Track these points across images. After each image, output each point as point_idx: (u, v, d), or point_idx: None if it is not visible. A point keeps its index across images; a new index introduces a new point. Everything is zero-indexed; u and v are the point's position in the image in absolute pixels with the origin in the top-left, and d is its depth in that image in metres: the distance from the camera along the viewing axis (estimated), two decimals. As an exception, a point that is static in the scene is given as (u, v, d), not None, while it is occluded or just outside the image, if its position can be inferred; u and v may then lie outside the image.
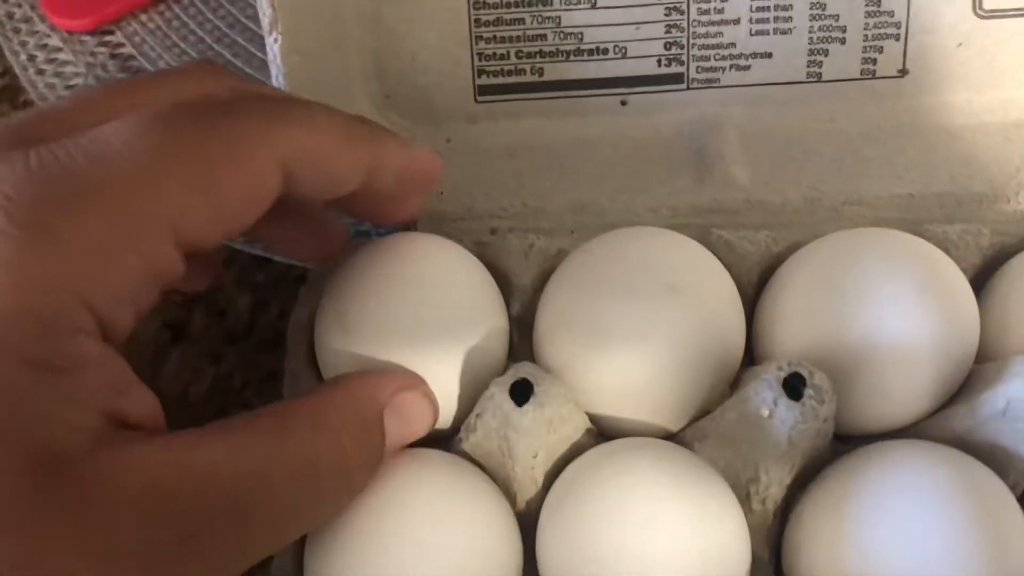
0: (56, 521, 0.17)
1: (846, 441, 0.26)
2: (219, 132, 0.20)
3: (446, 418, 0.26)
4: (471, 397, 0.25)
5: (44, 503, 0.17)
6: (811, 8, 0.30)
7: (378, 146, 0.23)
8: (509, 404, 0.23)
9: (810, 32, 0.31)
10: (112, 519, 0.17)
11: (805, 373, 0.23)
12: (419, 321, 0.25)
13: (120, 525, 0.18)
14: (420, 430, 0.24)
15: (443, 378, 0.25)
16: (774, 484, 0.24)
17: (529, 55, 0.31)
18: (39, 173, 0.18)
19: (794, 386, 0.23)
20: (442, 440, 0.26)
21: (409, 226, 0.29)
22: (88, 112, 0.21)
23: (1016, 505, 0.23)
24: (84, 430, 0.18)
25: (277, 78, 0.29)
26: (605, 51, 0.31)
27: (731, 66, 0.31)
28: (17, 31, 0.38)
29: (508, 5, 0.30)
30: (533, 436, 0.24)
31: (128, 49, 0.38)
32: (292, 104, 0.22)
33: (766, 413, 0.23)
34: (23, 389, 0.18)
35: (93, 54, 0.38)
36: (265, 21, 0.27)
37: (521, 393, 0.23)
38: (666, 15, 0.31)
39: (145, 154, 0.19)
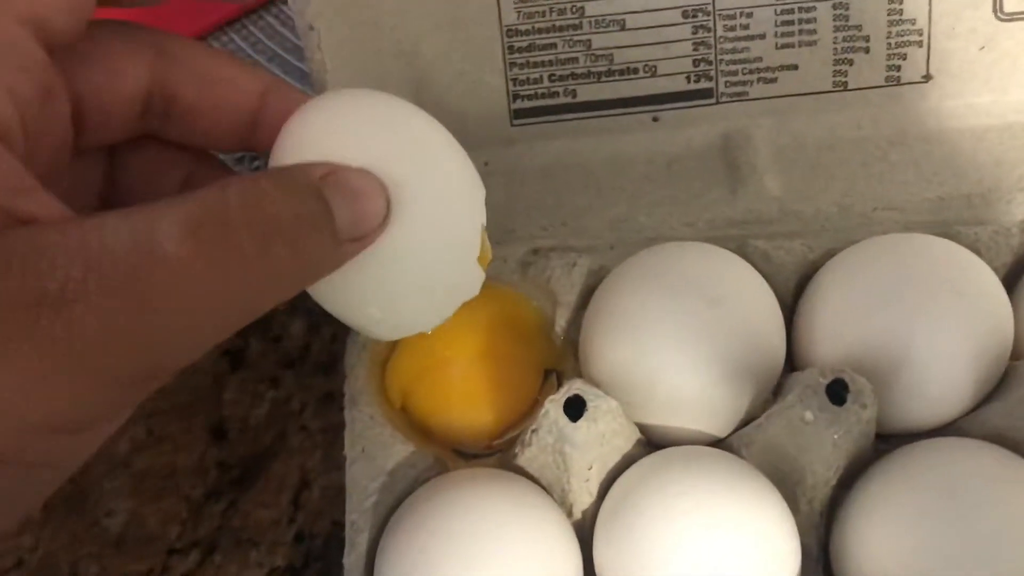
0: None
1: (887, 440, 0.26)
2: None
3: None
4: None
5: None
6: (835, 20, 0.31)
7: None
8: (564, 420, 0.24)
9: (834, 43, 0.32)
10: None
11: (847, 379, 0.24)
12: None
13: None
14: (371, 209, 0.21)
15: None
16: (820, 485, 0.25)
17: (562, 78, 0.32)
18: None
19: (836, 392, 0.24)
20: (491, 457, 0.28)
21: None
22: None
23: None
24: None
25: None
26: (635, 70, 0.32)
27: (759, 79, 0.32)
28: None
29: (540, 31, 0.31)
30: (587, 450, 0.25)
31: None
32: None
33: (810, 419, 0.24)
34: None
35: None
36: (314, 66, 0.28)
37: (575, 409, 0.24)
38: (693, 33, 0.31)
39: None
